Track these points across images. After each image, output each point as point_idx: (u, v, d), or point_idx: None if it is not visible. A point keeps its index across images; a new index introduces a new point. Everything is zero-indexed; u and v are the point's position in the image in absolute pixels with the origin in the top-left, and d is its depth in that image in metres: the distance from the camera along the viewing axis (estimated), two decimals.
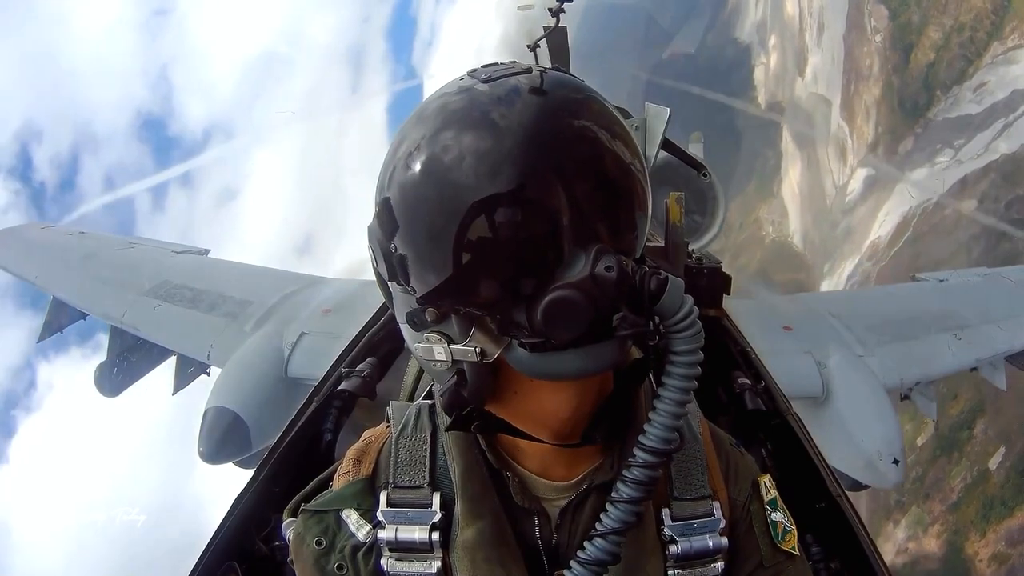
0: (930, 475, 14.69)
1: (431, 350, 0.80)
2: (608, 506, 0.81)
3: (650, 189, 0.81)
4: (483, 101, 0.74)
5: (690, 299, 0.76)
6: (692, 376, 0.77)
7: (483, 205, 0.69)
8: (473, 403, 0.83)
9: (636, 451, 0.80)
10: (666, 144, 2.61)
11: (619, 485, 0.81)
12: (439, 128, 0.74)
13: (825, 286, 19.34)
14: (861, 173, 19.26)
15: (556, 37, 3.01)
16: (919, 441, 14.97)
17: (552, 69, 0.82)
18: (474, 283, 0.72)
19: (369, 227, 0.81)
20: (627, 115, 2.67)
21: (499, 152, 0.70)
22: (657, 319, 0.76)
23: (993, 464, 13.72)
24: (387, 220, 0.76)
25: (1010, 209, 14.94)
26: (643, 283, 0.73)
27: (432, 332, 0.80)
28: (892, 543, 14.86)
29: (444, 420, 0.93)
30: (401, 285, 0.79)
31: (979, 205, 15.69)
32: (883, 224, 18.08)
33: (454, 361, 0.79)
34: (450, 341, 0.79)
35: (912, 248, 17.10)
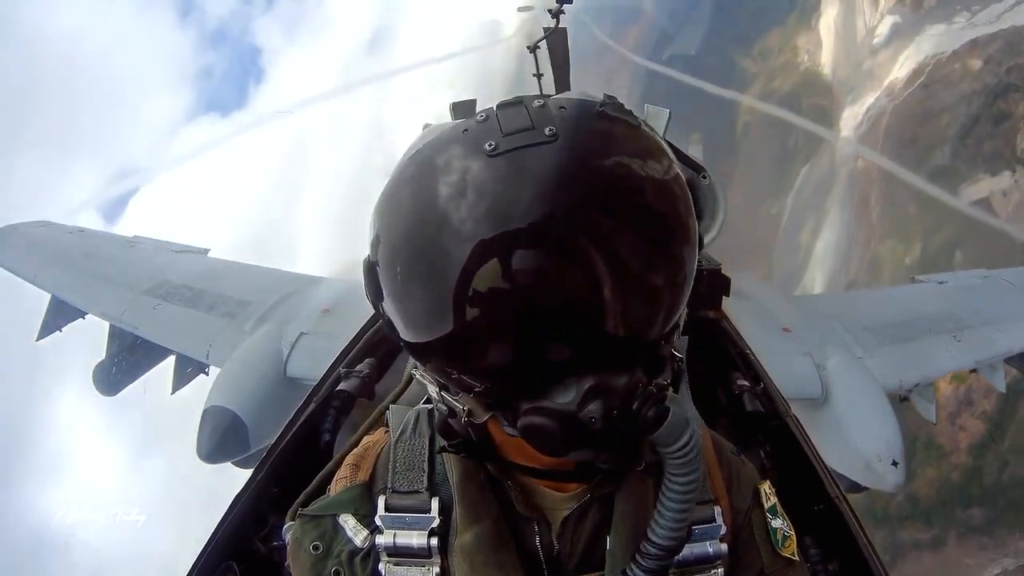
0: None
1: (426, 386, 0.81)
2: None
3: (696, 252, 0.72)
4: (487, 184, 0.64)
5: (690, 427, 0.72)
6: (690, 490, 0.76)
7: (476, 291, 0.63)
8: (464, 437, 0.84)
9: (645, 545, 0.81)
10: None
11: (633, 567, 0.82)
12: (430, 201, 0.66)
13: (847, 115, 21.49)
14: (889, 19, 21.10)
15: (556, 38, 3.01)
16: (907, 260, 17.91)
17: (596, 116, 0.69)
18: (458, 365, 0.71)
19: (363, 262, 0.77)
20: None
21: (500, 246, 0.63)
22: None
23: None
24: (373, 285, 0.75)
25: (1010, 74, 16.80)
26: (639, 412, 0.69)
27: (427, 373, 0.79)
28: None
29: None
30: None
31: (983, 66, 17.49)
32: (902, 68, 20.05)
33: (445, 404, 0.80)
34: (443, 388, 0.78)
35: (923, 92, 18.98)
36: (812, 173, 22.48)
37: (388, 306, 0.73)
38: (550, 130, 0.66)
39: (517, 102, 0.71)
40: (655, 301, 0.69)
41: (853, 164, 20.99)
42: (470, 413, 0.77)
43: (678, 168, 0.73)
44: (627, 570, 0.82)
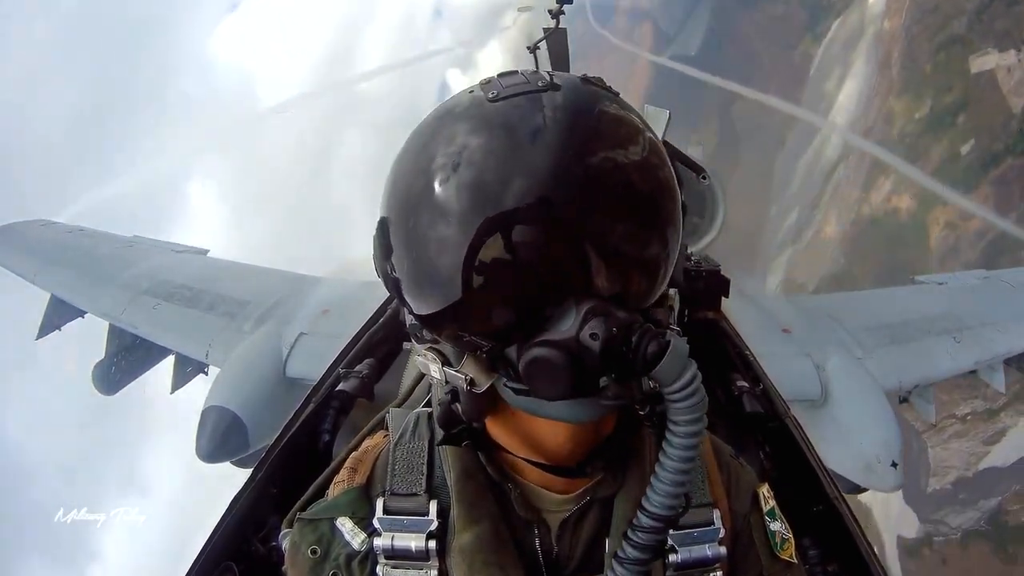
0: (921, 143, 19.72)
1: (428, 366, 0.81)
2: (615, 564, 0.81)
3: (680, 208, 0.76)
4: (489, 122, 0.69)
5: (693, 365, 0.71)
6: (693, 445, 0.73)
7: (477, 238, 0.66)
8: (465, 423, 0.84)
9: (640, 515, 0.79)
10: (665, 147, 2.61)
11: (625, 545, 0.81)
12: (438, 152, 0.70)
13: None
14: None
15: (556, 39, 3.01)
16: (917, 115, 19.85)
17: (580, 80, 0.76)
18: (461, 318, 0.71)
19: (373, 236, 0.79)
20: None
21: (501, 183, 0.66)
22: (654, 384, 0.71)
23: (964, 150, 18.57)
24: (382, 241, 0.76)
25: None
26: (639, 347, 0.68)
27: (429, 349, 0.80)
28: (880, 193, 20.31)
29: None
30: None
31: None
32: None
33: (447, 380, 0.79)
34: (445, 362, 0.79)
35: None
36: (843, 27, 24.21)
37: (396, 260, 0.74)
38: (543, 82, 0.73)
39: (513, 72, 0.77)
40: (668, 225, 0.74)
41: (880, 24, 22.58)
42: (472, 382, 0.76)
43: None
44: (618, 551, 0.81)
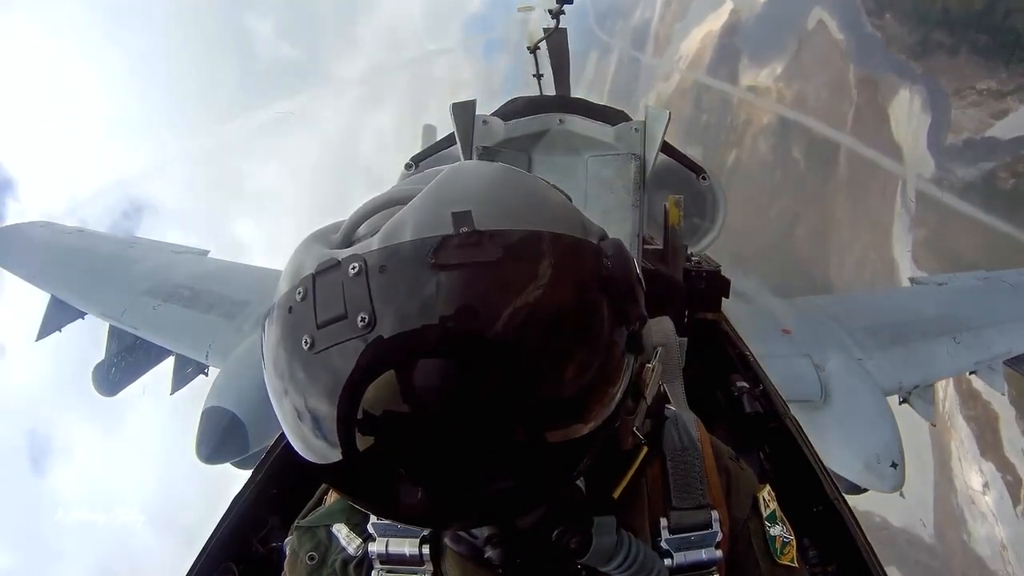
0: None
1: None
2: None
3: (611, 340, 0.62)
4: (307, 389, 0.59)
5: (625, 542, 0.74)
6: None
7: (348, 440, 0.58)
8: None
9: None
10: (665, 147, 2.62)
11: None
12: (278, 390, 0.63)
13: None
14: None
15: (556, 39, 3.01)
16: None
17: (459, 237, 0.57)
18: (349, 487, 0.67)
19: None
20: (626, 117, 2.67)
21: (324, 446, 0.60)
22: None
23: None
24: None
25: None
26: (560, 540, 0.69)
27: None
28: None
29: None
30: None
31: None
32: None
33: None
34: None
35: None
36: None
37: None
38: (363, 319, 0.55)
39: (334, 266, 0.58)
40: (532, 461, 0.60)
41: None
42: None
43: (573, 286, 0.61)
44: None
